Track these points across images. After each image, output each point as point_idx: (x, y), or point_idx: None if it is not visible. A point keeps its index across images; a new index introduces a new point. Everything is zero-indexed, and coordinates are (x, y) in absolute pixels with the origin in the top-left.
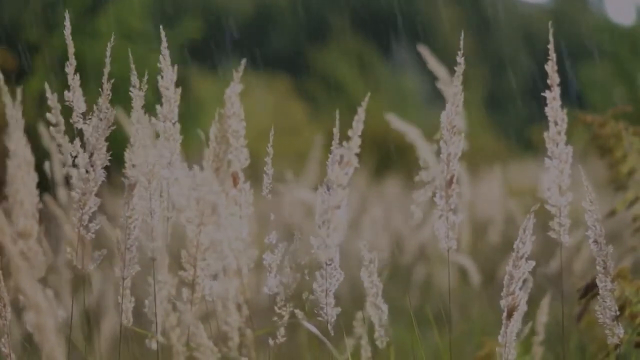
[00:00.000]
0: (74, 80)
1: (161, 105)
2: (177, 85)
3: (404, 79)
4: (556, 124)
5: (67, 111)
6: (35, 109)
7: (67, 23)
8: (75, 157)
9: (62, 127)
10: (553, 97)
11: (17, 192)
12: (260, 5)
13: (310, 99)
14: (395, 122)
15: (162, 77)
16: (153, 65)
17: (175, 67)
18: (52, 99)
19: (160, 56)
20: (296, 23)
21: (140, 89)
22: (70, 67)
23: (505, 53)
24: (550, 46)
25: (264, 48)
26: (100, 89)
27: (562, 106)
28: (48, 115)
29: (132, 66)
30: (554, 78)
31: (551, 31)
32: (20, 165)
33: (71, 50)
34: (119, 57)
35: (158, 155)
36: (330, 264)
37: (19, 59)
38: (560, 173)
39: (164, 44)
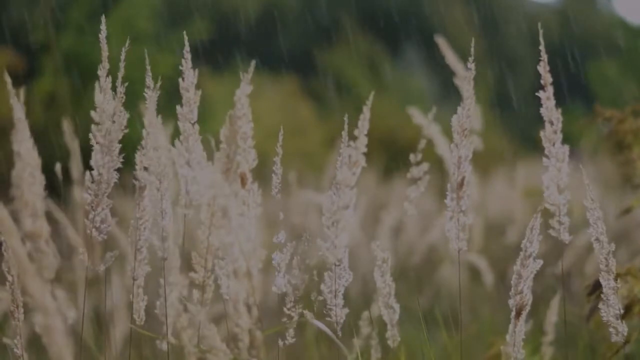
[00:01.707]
0: (105, 82)
1: (181, 106)
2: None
3: (413, 79)
4: (552, 123)
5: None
6: (44, 110)
7: (103, 27)
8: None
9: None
10: (547, 97)
11: (23, 194)
12: (269, 5)
13: (319, 99)
14: (417, 116)
15: (182, 79)
16: (161, 66)
17: (197, 70)
18: (99, 97)
19: (182, 59)
20: (304, 23)
21: (153, 90)
22: (102, 70)
23: (513, 53)
24: (542, 47)
25: (272, 48)
26: (113, 91)
27: (557, 105)
28: (92, 113)
29: (148, 67)
30: (546, 78)
31: (541, 32)
32: (26, 167)
33: (105, 53)
34: (125, 58)
35: (177, 154)
36: (339, 265)
37: (27, 60)
38: (557, 172)
39: (187, 47)
